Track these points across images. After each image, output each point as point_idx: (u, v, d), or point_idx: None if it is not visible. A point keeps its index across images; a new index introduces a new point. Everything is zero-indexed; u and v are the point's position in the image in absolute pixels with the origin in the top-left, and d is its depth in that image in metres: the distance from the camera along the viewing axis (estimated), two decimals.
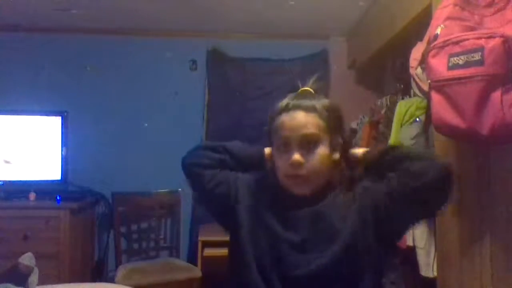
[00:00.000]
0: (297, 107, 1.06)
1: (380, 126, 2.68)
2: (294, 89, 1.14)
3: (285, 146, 1.05)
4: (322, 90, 1.13)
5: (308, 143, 1.04)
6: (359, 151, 1.13)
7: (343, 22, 3.22)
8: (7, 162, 3.02)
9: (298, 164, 1.03)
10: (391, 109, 2.53)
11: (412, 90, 2.35)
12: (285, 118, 1.06)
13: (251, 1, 2.82)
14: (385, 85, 3.23)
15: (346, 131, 1.13)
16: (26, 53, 3.32)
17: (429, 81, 1.28)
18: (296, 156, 1.03)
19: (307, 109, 1.05)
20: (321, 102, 1.07)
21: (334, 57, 3.52)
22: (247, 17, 3.14)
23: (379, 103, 2.85)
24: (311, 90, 1.13)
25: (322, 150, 1.05)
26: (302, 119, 1.04)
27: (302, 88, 1.13)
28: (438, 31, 1.26)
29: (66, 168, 3.08)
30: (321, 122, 1.05)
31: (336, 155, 1.09)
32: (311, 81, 1.15)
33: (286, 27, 3.35)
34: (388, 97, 2.72)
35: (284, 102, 1.09)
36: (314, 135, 1.04)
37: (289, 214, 1.06)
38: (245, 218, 1.09)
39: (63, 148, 3.08)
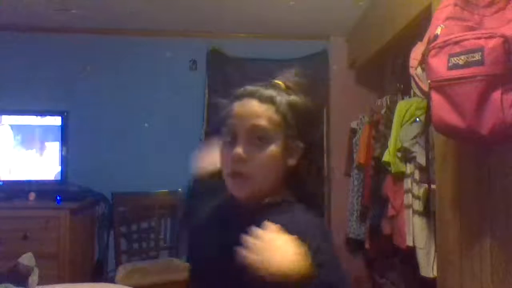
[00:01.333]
0: (251, 95, 0.90)
1: (380, 126, 2.68)
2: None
3: (232, 139, 0.90)
4: (303, 87, 0.95)
5: (257, 138, 0.88)
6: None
7: (343, 22, 3.22)
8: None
9: (240, 160, 0.87)
10: (391, 109, 2.53)
11: (412, 90, 2.36)
12: (236, 105, 0.91)
13: (251, 1, 2.83)
14: (385, 85, 3.24)
15: (314, 138, 0.96)
16: (26, 53, 3.32)
17: (429, 81, 1.28)
18: (239, 150, 0.87)
19: (262, 99, 0.89)
20: (284, 97, 0.91)
21: (334, 57, 3.52)
22: (247, 17, 3.14)
23: (379, 103, 2.85)
24: (281, 83, 0.95)
25: (273, 150, 0.88)
26: (254, 109, 0.89)
27: (274, 81, 0.96)
28: (438, 31, 1.26)
29: (66, 168, 3.09)
30: (275, 117, 0.89)
31: (291, 161, 0.91)
32: (290, 74, 0.98)
33: (286, 27, 3.35)
34: (388, 97, 2.72)
35: (239, 89, 0.93)
36: (264, 129, 0.88)
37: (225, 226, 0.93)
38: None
39: (63, 148, 3.08)
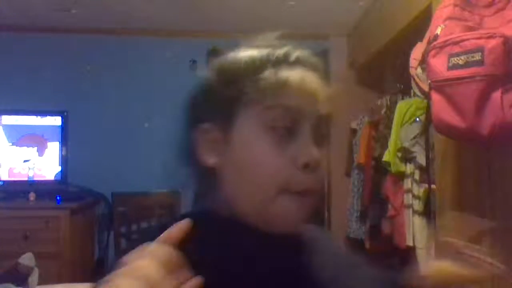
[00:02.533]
0: (306, 64, 0.60)
1: (380, 126, 2.68)
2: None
3: (288, 131, 0.55)
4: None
5: (321, 134, 0.57)
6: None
7: (343, 22, 3.22)
8: (26, 161, 3.03)
9: (316, 166, 0.55)
10: (391, 109, 2.53)
11: (412, 90, 2.35)
12: (291, 76, 0.57)
13: (251, 1, 2.83)
14: (385, 85, 3.23)
15: None
16: (26, 53, 3.32)
17: (429, 81, 1.28)
18: (314, 150, 0.55)
19: (320, 72, 0.60)
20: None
21: (334, 57, 3.52)
22: (247, 17, 3.13)
23: (379, 103, 2.85)
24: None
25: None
26: (318, 86, 0.58)
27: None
28: (438, 31, 1.26)
29: (66, 168, 3.08)
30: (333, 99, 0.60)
31: None
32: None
33: (286, 27, 3.32)
34: (388, 97, 2.72)
35: (277, 51, 0.62)
36: (331, 121, 0.60)
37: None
38: None
39: (63, 148, 3.08)
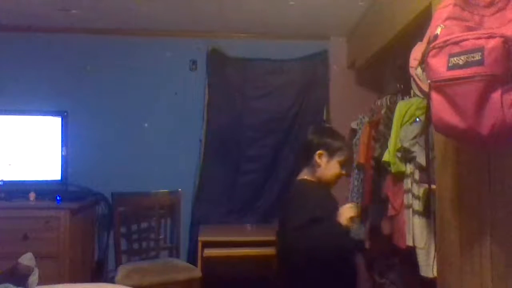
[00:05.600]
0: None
1: (380, 126, 2.68)
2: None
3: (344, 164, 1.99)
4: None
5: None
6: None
7: (343, 22, 3.22)
8: (9, 164, 3.02)
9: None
10: (391, 109, 2.54)
11: (412, 90, 2.36)
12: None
13: (251, 1, 2.83)
14: (385, 85, 3.24)
15: None
16: (26, 53, 3.32)
17: (429, 81, 1.27)
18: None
19: None
20: None
21: (334, 57, 3.52)
22: (247, 17, 3.14)
23: (379, 103, 2.85)
24: None
25: None
26: None
27: None
28: (438, 31, 1.26)
29: (66, 168, 3.09)
30: None
31: None
32: None
33: (286, 27, 3.35)
34: (388, 97, 2.72)
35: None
36: None
37: None
38: None
39: (63, 148, 3.08)
